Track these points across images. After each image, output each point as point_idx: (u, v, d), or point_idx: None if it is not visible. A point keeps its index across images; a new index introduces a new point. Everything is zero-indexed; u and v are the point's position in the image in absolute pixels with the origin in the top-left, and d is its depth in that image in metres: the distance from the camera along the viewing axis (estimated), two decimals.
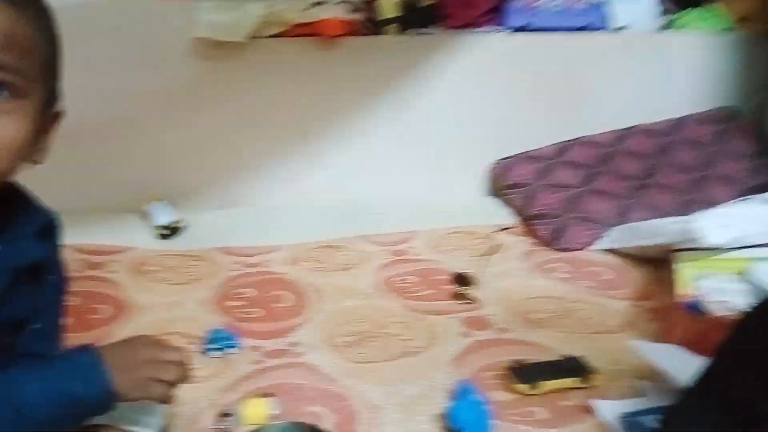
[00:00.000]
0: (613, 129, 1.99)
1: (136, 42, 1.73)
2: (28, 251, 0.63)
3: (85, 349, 0.67)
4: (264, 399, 0.98)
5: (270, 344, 1.21)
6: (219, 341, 1.17)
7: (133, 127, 1.76)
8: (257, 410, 0.95)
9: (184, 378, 0.76)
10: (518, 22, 1.93)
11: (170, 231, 1.71)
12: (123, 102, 1.74)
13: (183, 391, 1.01)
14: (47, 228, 0.68)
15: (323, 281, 1.51)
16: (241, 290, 1.45)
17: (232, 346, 1.17)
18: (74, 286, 1.40)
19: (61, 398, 0.61)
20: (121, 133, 1.75)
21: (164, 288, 1.44)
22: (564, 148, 1.95)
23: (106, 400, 0.64)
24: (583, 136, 1.98)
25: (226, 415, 0.94)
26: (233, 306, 1.37)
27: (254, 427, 0.92)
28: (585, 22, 1.96)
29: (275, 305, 1.39)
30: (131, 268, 1.52)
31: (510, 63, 1.95)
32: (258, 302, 1.40)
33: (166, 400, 0.74)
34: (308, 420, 0.95)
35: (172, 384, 0.73)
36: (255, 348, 1.20)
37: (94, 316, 1.28)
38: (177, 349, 0.76)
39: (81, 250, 1.57)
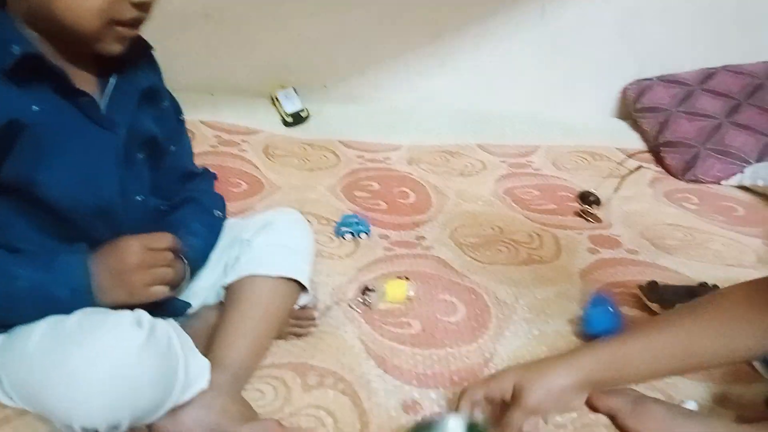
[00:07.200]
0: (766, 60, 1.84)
1: None
2: (144, 79, 0.76)
3: (76, 254, 0.66)
4: (403, 281, 1.01)
5: (397, 235, 1.24)
6: (352, 225, 1.21)
7: (270, 14, 1.76)
8: (398, 290, 0.98)
9: (174, 281, 0.72)
10: None
11: (294, 119, 1.75)
12: None
13: (325, 266, 1.07)
14: (152, 62, 0.80)
15: (443, 184, 1.51)
16: (366, 182, 1.48)
17: (364, 232, 1.21)
18: (211, 160, 1.47)
19: (45, 302, 0.64)
20: (257, 18, 1.76)
21: (294, 172, 1.49)
22: (708, 74, 1.82)
23: (90, 304, 0.65)
24: (730, 64, 1.84)
25: (369, 290, 0.98)
26: (359, 196, 1.41)
27: (394, 304, 0.97)
28: None
29: (399, 200, 1.41)
30: (261, 150, 1.57)
31: None
32: (382, 195, 1.42)
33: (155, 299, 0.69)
34: (441, 307, 0.99)
35: (167, 285, 0.70)
36: (383, 236, 1.23)
37: (233, 189, 1.35)
38: (166, 251, 0.70)
39: (213, 126, 1.64)
